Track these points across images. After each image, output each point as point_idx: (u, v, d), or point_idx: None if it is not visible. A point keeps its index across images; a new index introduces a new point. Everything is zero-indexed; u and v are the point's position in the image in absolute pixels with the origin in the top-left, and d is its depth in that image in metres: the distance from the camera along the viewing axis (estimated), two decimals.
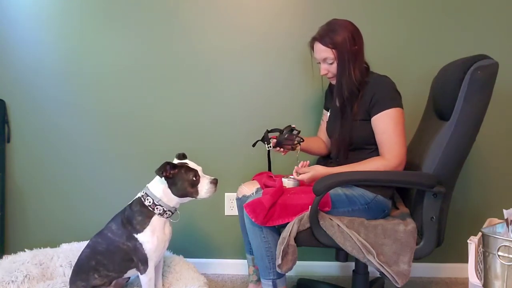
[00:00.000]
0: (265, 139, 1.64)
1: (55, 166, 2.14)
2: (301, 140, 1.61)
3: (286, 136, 1.59)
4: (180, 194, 1.49)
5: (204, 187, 1.49)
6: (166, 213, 1.51)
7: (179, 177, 1.47)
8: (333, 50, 1.50)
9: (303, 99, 2.04)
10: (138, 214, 1.49)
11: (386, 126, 1.45)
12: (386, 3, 1.98)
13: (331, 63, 1.53)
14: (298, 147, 1.63)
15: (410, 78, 1.97)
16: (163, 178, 1.46)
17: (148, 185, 1.53)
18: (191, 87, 2.07)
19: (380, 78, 1.52)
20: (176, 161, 1.55)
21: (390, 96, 1.47)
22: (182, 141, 2.09)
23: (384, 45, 1.99)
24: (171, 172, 1.46)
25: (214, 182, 1.51)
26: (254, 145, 1.72)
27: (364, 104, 1.49)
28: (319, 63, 1.59)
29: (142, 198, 1.51)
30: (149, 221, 1.48)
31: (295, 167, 1.52)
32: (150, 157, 2.10)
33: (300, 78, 2.02)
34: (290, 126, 1.62)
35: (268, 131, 1.65)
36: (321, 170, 1.47)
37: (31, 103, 2.12)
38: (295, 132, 1.61)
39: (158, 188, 1.50)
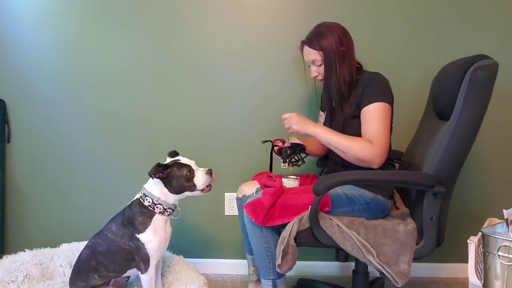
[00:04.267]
0: (282, 156, 1.62)
1: (55, 166, 2.14)
2: (303, 163, 1.64)
3: (294, 155, 1.61)
4: (176, 191, 1.50)
5: (200, 179, 1.50)
6: (167, 211, 1.52)
7: (172, 175, 1.48)
8: (320, 52, 1.52)
9: (303, 99, 2.05)
10: (139, 214, 1.49)
11: (373, 116, 1.45)
12: (386, 3, 1.98)
13: (320, 65, 1.56)
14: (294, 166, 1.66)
15: (410, 78, 1.98)
16: (158, 179, 1.47)
17: (145, 186, 1.54)
18: (191, 87, 2.07)
19: (371, 74, 1.54)
20: (168, 159, 1.56)
21: (379, 91, 1.48)
22: (182, 140, 2.09)
23: (384, 45, 1.99)
24: (164, 172, 1.47)
25: (209, 172, 1.52)
26: (264, 142, 1.72)
27: (356, 100, 1.51)
28: (309, 65, 1.61)
29: (141, 199, 1.51)
30: (151, 221, 1.49)
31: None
32: (149, 157, 2.09)
33: (300, 78, 2.02)
34: (302, 145, 1.63)
35: (286, 146, 1.63)
36: (303, 117, 1.52)
37: (31, 103, 2.12)
38: (303, 155, 1.63)
39: (155, 187, 1.50)
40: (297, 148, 1.62)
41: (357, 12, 1.98)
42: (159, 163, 1.47)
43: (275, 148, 1.67)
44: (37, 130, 2.13)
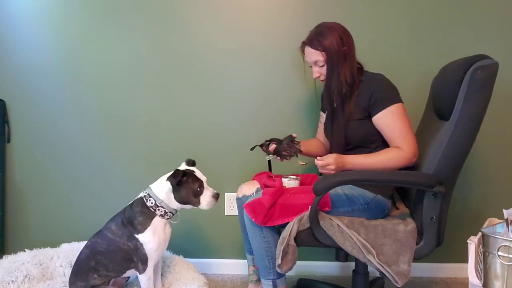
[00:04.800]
0: (265, 150, 1.64)
1: (55, 166, 2.14)
2: (299, 151, 1.62)
3: (285, 145, 1.60)
4: (181, 201, 1.51)
5: (206, 199, 1.51)
6: (167, 214, 1.52)
7: (185, 185, 1.48)
8: (323, 52, 1.51)
9: (303, 99, 2.04)
10: (139, 214, 1.49)
11: (393, 121, 1.46)
12: (386, 3, 1.98)
13: (322, 66, 1.55)
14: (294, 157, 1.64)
15: (410, 78, 1.97)
16: (168, 182, 1.47)
17: (151, 186, 1.54)
18: (191, 87, 2.07)
19: (374, 76, 1.53)
20: (184, 166, 1.56)
21: (389, 93, 1.48)
22: (182, 141, 2.09)
23: (384, 45, 1.99)
24: (182, 179, 1.47)
25: (216, 196, 1.53)
26: (252, 149, 1.72)
27: (361, 103, 1.50)
28: (311, 66, 1.60)
29: (144, 199, 1.51)
30: (151, 222, 1.49)
31: (315, 160, 1.46)
32: (150, 157, 2.10)
33: (300, 78, 2.02)
34: (291, 135, 1.63)
35: (267, 141, 1.66)
36: (336, 157, 1.44)
37: (31, 103, 2.12)
38: (295, 142, 1.62)
39: (161, 189, 1.50)
40: (293, 139, 1.61)
41: (357, 12, 1.98)
42: (178, 169, 1.47)
43: (271, 148, 1.66)
44: (37, 130, 2.13)
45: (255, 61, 2.04)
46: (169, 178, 1.46)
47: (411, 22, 1.98)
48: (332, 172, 1.43)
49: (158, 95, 2.08)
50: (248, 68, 2.05)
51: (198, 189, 1.49)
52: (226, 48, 2.04)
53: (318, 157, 1.46)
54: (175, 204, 1.52)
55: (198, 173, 1.53)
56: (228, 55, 2.04)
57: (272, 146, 1.65)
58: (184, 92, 2.08)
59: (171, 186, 1.48)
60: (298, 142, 1.63)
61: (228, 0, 2.02)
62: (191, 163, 1.59)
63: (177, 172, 1.45)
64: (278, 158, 1.64)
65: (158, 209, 1.50)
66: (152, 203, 1.50)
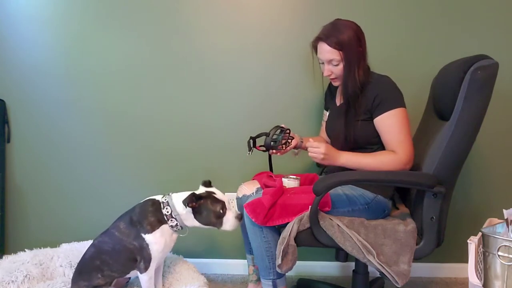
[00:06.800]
0: (248, 146, 1.63)
1: (55, 166, 2.14)
2: (291, 137, 1.61)
3: (274, 137, 1.57)
4: (203, 223, 1.50)
5: (229, 221, 1.49)
6: (177, 227, 1.51)
7: (205, 207, 1.47)
8: (340, 51, 1.48)
9: (303, 98, 2.04)
10: (151, 215, 1.49)
11: (392, 125, 1.45)
12: (387, 3, 1.98)
13: (336, 65, 1.51)
14: (289, 146, 1.62)
15: (410, 78, 1.97)
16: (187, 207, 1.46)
17: (173, 196, 1.52)
18: (191, 86, 2.07)
19: (381, 78, 1.52)
20: (202, 188, 1.55)
21: (393, 97, 1.47)
22: (182, 140, 2.09)
23: (384, 45, 1.98)
24: (198, 202, 1.46)
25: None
26: (250, 151, 1.69)
27: (366, 104, 1.49)
28: (322, 63, 1.57)
29: (162, 204, 1.50)
30: (160, 226, 1.49)
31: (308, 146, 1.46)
32: (150, 157, 2.10)
33: (301, 78, 2.02)
34: (278, 126, 1.61)
35: (252, 138, 1.65)
36: (330, 148, 1.45)
37: (31, 103, 2.12)
38: (284, 130, 1.59)
39: (181, 205, 1.48)
40: (282, 129, 1.60)
41: (357, 12, 1.98)
42: (194, 192, 1.46)
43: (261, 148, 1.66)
44: (37, 130, 2.13)
45: (255, 61, 2.04)
46: (183, 202, 1.44)
47: (411, 22, 1.98)
48: (320, 158, 1.42)
49: (158, 95, 2.08)
50: (248, 68, 2.05)
51: (221, 211, 1.47)
52: (226, 48, 2.04)
53: (311, 140, 1.46)
54: (191, 223, 1.51)
55: (219, 195, 1.50)
56: (228, 55, 2.04)
57: (262, 148, 1.63)
58: (184, 92, 2.07)
59: (191, 210, 1.48)
60: (287, 129, 1.60)
61: (228, 0, 2.02)
62: (207, 183, 1.57)
63: (189, 196, 1.43)
64: (274, 151, 1.61)
65: (171, 220, 1.49)
66: (168, 212, 1.49)
